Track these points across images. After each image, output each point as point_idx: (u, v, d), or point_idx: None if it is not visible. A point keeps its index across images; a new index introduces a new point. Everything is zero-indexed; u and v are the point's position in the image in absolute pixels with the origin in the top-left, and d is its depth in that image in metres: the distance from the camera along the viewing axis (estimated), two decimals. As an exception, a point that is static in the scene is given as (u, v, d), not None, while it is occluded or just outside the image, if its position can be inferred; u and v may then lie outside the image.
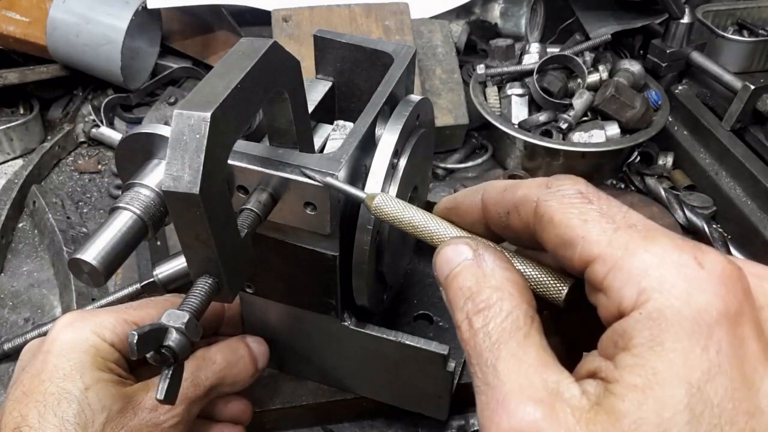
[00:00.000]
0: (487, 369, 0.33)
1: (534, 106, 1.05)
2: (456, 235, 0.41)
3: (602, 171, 1.02)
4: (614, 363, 0.31)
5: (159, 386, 0.43)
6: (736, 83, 1.00)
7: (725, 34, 1.06)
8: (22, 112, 1.13)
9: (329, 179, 0.48)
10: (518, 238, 0.39)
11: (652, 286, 0.30)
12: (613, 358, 0.31)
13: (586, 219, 0.33)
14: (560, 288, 0.37)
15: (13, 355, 0.74)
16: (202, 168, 0.39)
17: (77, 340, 0.53)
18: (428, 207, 0.43)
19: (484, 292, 0.34)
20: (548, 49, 1.10)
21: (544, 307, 0.37)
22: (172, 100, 1.12)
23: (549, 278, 0.38)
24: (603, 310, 0.32)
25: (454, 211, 0.42)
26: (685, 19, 1.09)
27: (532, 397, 0.31)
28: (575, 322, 0.38)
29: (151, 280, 0.71)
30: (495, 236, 0.41)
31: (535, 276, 0.38)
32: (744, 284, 0.31)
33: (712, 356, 0.29)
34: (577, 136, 0.98)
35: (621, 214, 0.33)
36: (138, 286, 0.72)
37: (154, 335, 0.42)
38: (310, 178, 0.48)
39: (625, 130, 0.99)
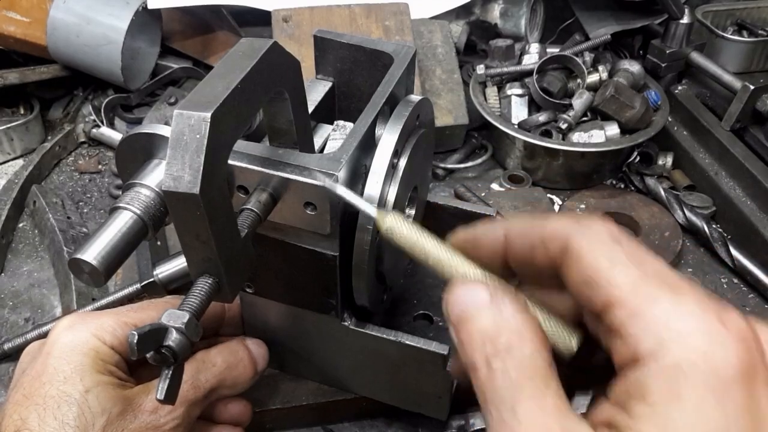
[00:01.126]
0: (505, 410, 0.32)
1: (534, 106, 1.05)
2: (470, 271, 0.40)
3: (602, 171, 1.02)
4: (629, 413, 0.31)
5: (159, 386, 0.43)
6: (736, 83, 1.00)
7: (725, 35, 1.06)
8: (22, 112, 1.13)
9: (341, 190, 0.46)
10: (538, 274, 0.39)
11: (672, 337, 0.30)
12: (626, 407, 0.31)
13: (614, 261, 0.33)
14: (571, 339, 0.37)
15: (13, 355, 0.74)
16: (202, 168, 0.39)
17: (77, 342, 0.53)
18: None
19: (504, 335, 0.34)
20: (548, 50, 1.10)
21: None
22: (172, 100, 1.12)
23: (560, 328, 0.38)
24: (617, 355, 0.33)
25: (471, 243, 0.42)
26: (685, 20, 1.09)
27: None
28: (569, 367, 0.38)
29: (152, 280, 0.71)
30: (509, 274, 0.40)
31: (547, 323, 0.38)
32: (760, 346, 0.31)
33: (728, 412, 0.29)
34: (577, 136, 0.99)
35: (650, 262, 0.34)
36: (138, 286, 0.72)
37: (154, 335, 0.42)
38: (326, 187, 0.47)
39: (625, 130, 0.99)
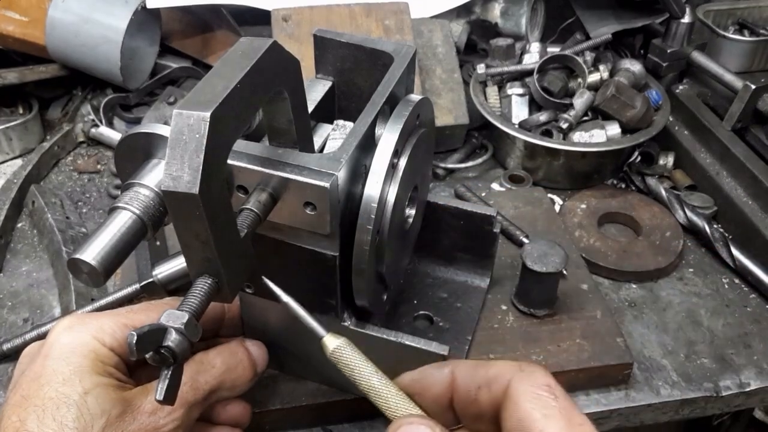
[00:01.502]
0: None
1: (534, 105, 1.05)
2: (411, 410, 0.43)
3: (603, 171, 1.02)
4: None
5: (158, 387, 0.43)
6: (737, 83, 1.00)
7: (726, 34, 1.06)
8: (21, 111, 1.13)
9: (290, 302, 0.48)
10: (479, 418, 0.42)
11: None
12: None
13: (546, 414, 0.38)
14: None
15: (12, 355, 0.74)
16: (201, 168, 0.39)
17: (76, 344, 0.53)
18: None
19: None
20: (549, 49, 1.10)
21: None
22: (171, 99, 1.11)
23: None
24: None
25: (418, 383, 0.45)
26: (686, 19, 1.09)
27: None
28: None
29: (151, 280, 0.71)
30: (452, 421, 0.44)
31: None
32: None
33: None
34: (578, 136, 0.98)
35: (577, 419, 0.38)
36: (137, 286, 0.72)
37: (153, 336, 0.41)
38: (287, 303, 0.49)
39: (626, 129, 0.99)
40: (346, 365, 0.45)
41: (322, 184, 0.48)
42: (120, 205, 0.46)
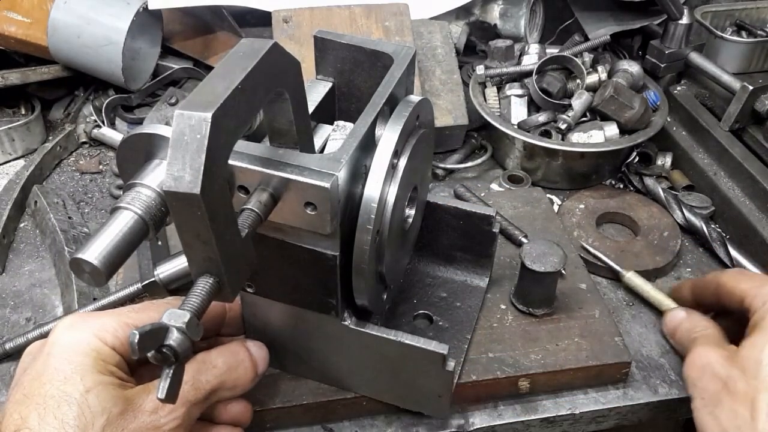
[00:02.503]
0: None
1: (533, 106, 1.05)
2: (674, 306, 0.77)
3: (601, 171, 1.02)
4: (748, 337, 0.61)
5: (160, 386, 0.43)
6: (735, 84, 1.00)
7: (724, 35, 1.06)
8: (23, 112, 1.13)
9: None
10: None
11: None
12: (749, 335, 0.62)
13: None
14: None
15: (14, 354, 0.75)
16: (203, 168, 0.39)
17: (78, 342, 0.54)
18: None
19: (698, 325, 0.70)
20: (547, 50, 1.10)
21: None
22: (173, 100, 1.12)
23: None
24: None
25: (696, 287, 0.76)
26: (684, 20, 1.09)
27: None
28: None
29: (153, 279, 0.71)
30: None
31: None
32: None
33: None
34: (576, 137, 0.99)
35: None
36: (139, 285, 0.73)
37: (155, 335, 0.42)
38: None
39: (624, 130, 0.99)
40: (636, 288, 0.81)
41: (322, 184, 0.48)
42: (122, 205, 0.47)
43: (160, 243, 0.78)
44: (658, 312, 0.81)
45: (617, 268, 0.85)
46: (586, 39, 1.15)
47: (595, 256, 0.86)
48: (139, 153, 0.50)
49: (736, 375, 0.58)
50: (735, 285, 0.67)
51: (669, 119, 1.06)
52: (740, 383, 0.58)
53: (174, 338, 0.42)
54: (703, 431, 0.60)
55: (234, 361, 0.58)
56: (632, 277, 0.83)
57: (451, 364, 0.60)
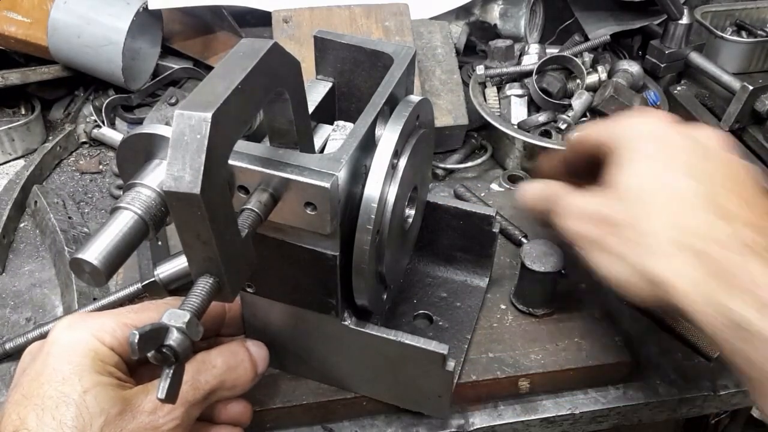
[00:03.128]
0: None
1: (533, 106, 1.05)
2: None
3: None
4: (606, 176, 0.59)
5: (160, 386, 0.43)
6: (735, 84, 1.00)
7: (724, 35, 1.07)
8: (23, 112, 1.13)
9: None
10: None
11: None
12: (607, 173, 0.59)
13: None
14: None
15: (14, 354, 0.75)
16: (202, 168, 0.39)
17: (77, 343, 0.54)
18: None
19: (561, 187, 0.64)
20: (547, 50, 1.10)
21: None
22: (173, 100, 1.12)
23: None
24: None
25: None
26: (684, 20, 1.09)
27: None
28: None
29: (153, 279, 0.71)
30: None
31: None
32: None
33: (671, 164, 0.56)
34: (577, 137, 0.99)
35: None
36: (139, 285, 0.73)
37: (155, 335, 0.42)
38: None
39: (624, 130, 0.99)
40: None
41: (322, 184, 0.48)
42: (122, 205, 0.47)
43: (160, 243, 0.78)
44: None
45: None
46: (586, 39, 1.15)
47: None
48: (139, 153, 0.50)
49: (613, 206, 0.55)
50: (594, 135, 0.62)
51: (669, 119, 1.06)
52: (620, 213, 0.55)
53: (174, 338, 0.42)
54: (600, 270, 0.56)
55: (234, 361, 0.58)
56: None
57: (451, 364, 0.60)
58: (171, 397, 0.44)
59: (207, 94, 0.41)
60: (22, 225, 0.95)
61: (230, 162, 0.49)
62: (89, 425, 0.49)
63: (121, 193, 0.66)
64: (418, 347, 0.60)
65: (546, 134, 1.00)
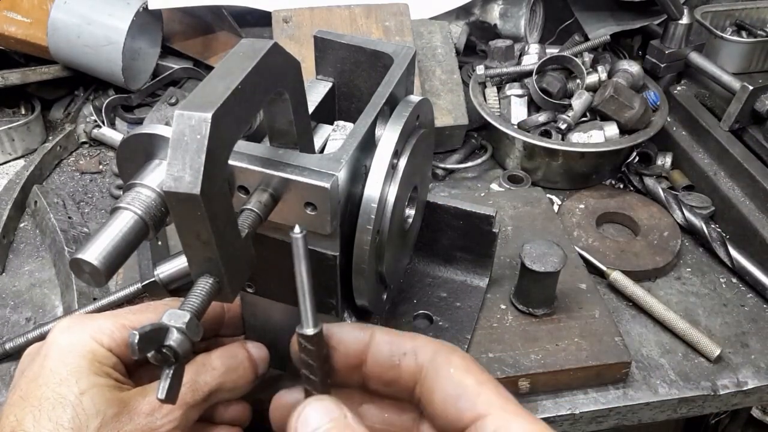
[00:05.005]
0: None
1: (533, 106, 1.05)
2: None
3: (601, 171, 1.02)
4: None
5: (160, 386, 0.43)
6: (735, 84, 1.00)
7: (724, 35, 1.06)
8: (23, 112, 1.14)
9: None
10: (394, 382, 0.44)
11: None
12: None
13: (480, 381, 0.40)
14: None
15: (14, 354, 0.75)
16: (202, 168, 0.39)
17: (75, 344, 0.54)
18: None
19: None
20: (547, 50, 1.10)
21: None
22: (173, 100, 1.12)
23: None
24: None
25: (336, 335, 0.45)
26: (684, 20, 1.09)
27: None
28: None
29: (153, 279, 0.71)
30: (356, 381, 0.45)
31: None
32: None
33: None
34: (576, 137, 0.99)
35: (502, 387, 0.41)
36: (139, 285, 0.73)
37: (154, 335, 0.42)
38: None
39: (624, 130, 0.99)
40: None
41: (322, 184, 0.48)
42: (122, 205, 0.47)
43: (160, 243, 0.78)
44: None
45: (602, 267, 0.85)
46: (586, 39, 1.15)
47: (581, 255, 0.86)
48: (139, 153, 0.50)
49: None
50: (465, 387, 0.41)
51: (669, 119, 1.06)
52: None
53: (174, 338, 0.42)
54: None
55: (233, 363, 0.58)
56: (617, 277, 0.83)
57: (451, 364, 0.60)
58: (171, 397, 0.43)
59: (207, 94, 0.41)
60: (22, 225, 0.96)
61: (230, 162, 0.49)
62: (86, 427, 0.49)
63: (121, 193, 0.66)
64: (418, 347, 0.60)
65: (546, 134, 1.00)
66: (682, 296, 0.85)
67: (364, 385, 0.46)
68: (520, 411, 0.39)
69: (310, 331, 0.43)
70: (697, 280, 0.88)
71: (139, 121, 1.12)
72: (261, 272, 0.57)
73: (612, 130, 0.99)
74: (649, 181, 0.98)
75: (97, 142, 1.11)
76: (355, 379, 0.46)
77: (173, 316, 0.43)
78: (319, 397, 0.41)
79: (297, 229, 0.43)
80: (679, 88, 1.11)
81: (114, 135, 1.09)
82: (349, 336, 0.45)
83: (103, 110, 1.10)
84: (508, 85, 1.06)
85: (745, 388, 0.74)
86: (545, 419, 0.70)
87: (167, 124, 0.67)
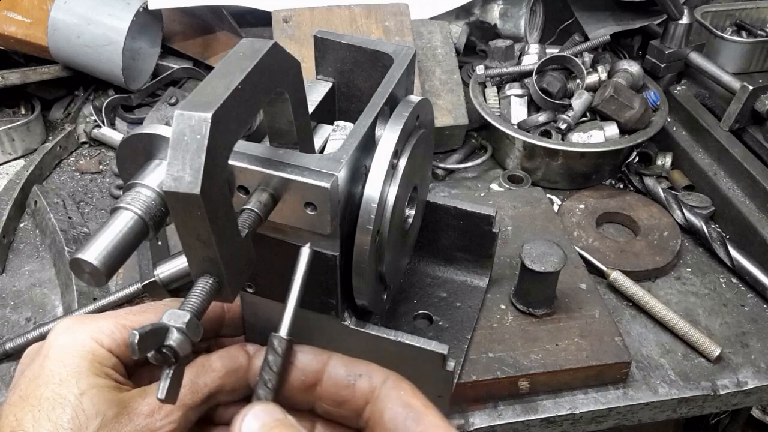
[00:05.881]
0: None
1: (533, 106, 1.05)
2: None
3: (601, 171, 1.02)
4: None
5: (160, 386, 0.43)
6: (735, 84, 1.00)
7: (724, 35, 1.07)
8: (23, 112, 1.14)
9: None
10: (345, 403, 0.46)
11: None
12: None
13: (426, 405, 0.44)
14: None
15: (14, 354, 0.75)
16: (202, 168, 0.39)
17: (75, 345, 0.53)
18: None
19: None
20: (547, 50, 1.10)
21: None
22: (173, 100, 1.12)
23: None
24: None
25: (297, 356, 0.48)
26: (684, 20, 1.09)
27: None
28: None
29: (153, 279, 0.71)
30: (304, 402, 0.48)
31: None
32: None
33: None
34: (576, 137, 0.99)
35: (440, 414, 0.44)
36: (139, 285, 0.73)
37: (155, 335, 0.42)
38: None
39: (624, 130, 0.99)
40: None
41: (322, 184, 0.48)
42: (122, 205, 0.47)
43: (160, 243, 0.78)
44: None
45: (602, 267, 0.85)
46: (586, 39, 1.15)
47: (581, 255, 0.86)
48: (139, 153, 0.50)
49: None
50: (416, 408, 0.45)
51: (669, 119, 1.06)
52: None
53: (174, 338, 0.42)
54: None
55: (233, 365, 0.58)
56: (617, 277, 0.83)
57: (451, 364, 0.60)
58: (171, 397, 0.43)
59: (207, 94, 0.41)
60: (22, 225, 0.96)
61: (230, 162, 0.49)
62: (85, 427, 0.49)
63: (121, 193, 0.66)
64: (418, 347, 0.60)
65: (546, 134, 1.00)
66: (682, 296, 0.85)
67: (313, 408, 0.49)
68: None
69: (284, 335, 0.46)
70: (697, 280, 0.88)
71: (139, 121, 1.12)
72: (261, 272, 0.57)
73: (612, 130, 0.99)
74: (649, 181, 0.98)
75: (97, 142, 1.11)
76: (306, 400, 0.48)
77: (173, 316, 0.43)
78: (264, 401, 0.44)
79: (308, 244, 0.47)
80: (679, 88, 1.11)
81: (114, 135, 1.09)
82: (309, 354, 0.48)
83: (103, 110, 1.10)
84: (508, 85, 1.06)
85: (745, 388, 0.74)
86: (545, 419, 0.70)
87: (167, 124, 0.67)
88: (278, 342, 0.45)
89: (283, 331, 0.46)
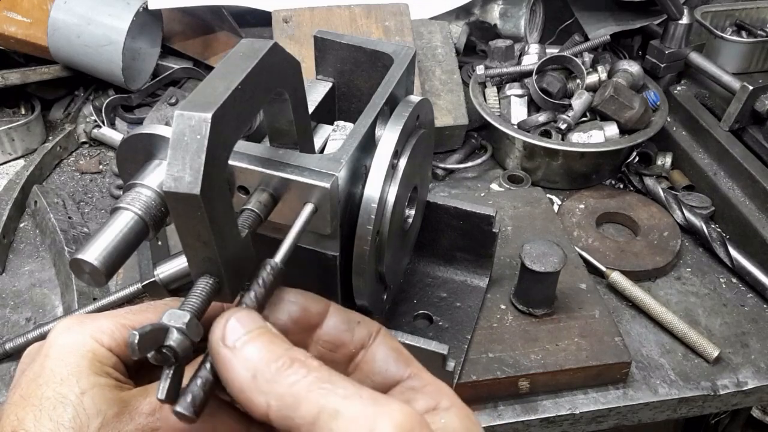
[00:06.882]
0: None
1: (533, 106, 1.05)
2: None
3: (601, 171, 1.02)
4: None
5: (160, 386, 0.43)
6: (735, 84, 1.00)
7: (724, 35, 1.07)
8: (23, 112, 1.13)
9: None
10: (342, 346, 0.47)
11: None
12: None
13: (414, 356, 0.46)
14: None
15: (14, 354, 0.75)
16: (202, 168, 0.39)
17: (75, 344, 0.54)
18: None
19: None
20: (547, 50, 1.10)
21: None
22: (173, 100, 1.12)
23: None
24: None
25: (303, 296, 0.48)
26: (684, 20, 1.09)
27: None
28: None
29: (152, 279, 0.71)
30: (300, 341, 0.46)
31: None
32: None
33: None
34: (576, 137, 0.99)
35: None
36: (139, 285, 0.73)
37: (154, 335, 0.42)
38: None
39: (624, 130, 0.99)
40: None
41: (322, 184, 0.48)
42: (122, 205, 0.47)
43: (160, 243, 0.78)
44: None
45: (602, 267, 0.85)
46: (586, 39, 1.15)
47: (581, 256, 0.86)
48: (139, 153, 0.50)
49: None
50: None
51: (669, 119, 1.06)
52: None
53: (174, 338, 0.42)
54: None
55: None
56: (616, 278, 0.83)
57: (451, 364, 0.60)
58: (171, 397, 0.43)
59: (207, 94, 0.41)
60: (22, 225, 0.96)
61: (230, 162, 0.49)
62: (86, 426, 0.49)
63: (121, 193, 0.66)
64: (418, 347, 0.60)
65: (546, 134, 1.00)
66: (682, 296, 0.85)
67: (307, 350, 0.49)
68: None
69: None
70: (697, 280, 0.88)
71: (139, 121, 1.12)
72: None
73: (612, 130, 0.99)
74: (649, 181, 0.98)
75: (97, 142, 1.11)
76: (301, 341, 0.48)
77: (173, 316, 0.43)
78: (245, 308, 0.43)
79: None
80: (679, 88, 1.11)
81: (114, 135, 1.09)
82: (313, 297, 0.49)
83: (103, 110, 1.10)
84: (508, 85, 1.06)
85: (744, 388, 0.74)
86: (545, 419, 0.70)
87: (167, 124, 0.67)
88: (273, 265, 0.45)
89: (278, 259, 0.46)
